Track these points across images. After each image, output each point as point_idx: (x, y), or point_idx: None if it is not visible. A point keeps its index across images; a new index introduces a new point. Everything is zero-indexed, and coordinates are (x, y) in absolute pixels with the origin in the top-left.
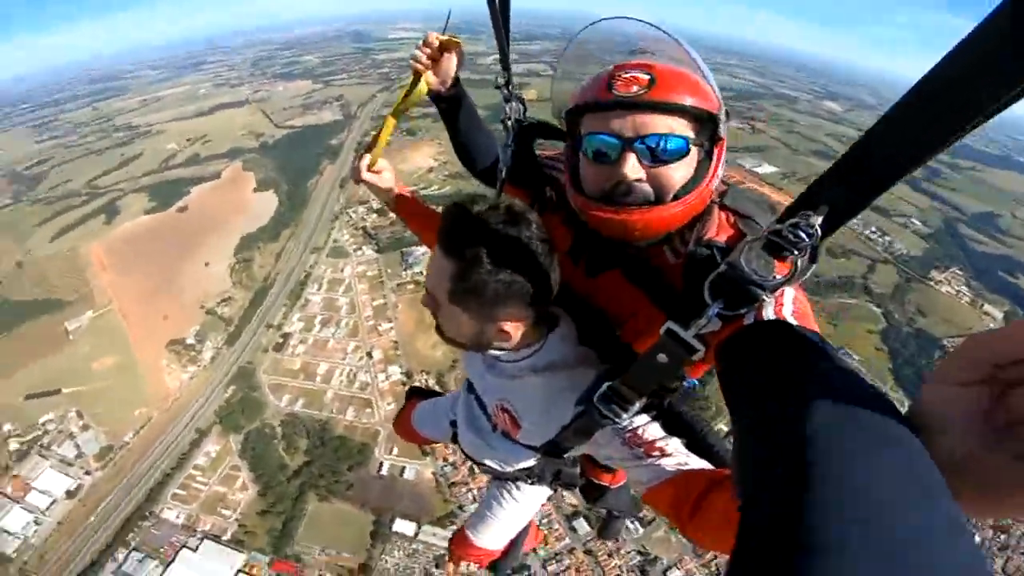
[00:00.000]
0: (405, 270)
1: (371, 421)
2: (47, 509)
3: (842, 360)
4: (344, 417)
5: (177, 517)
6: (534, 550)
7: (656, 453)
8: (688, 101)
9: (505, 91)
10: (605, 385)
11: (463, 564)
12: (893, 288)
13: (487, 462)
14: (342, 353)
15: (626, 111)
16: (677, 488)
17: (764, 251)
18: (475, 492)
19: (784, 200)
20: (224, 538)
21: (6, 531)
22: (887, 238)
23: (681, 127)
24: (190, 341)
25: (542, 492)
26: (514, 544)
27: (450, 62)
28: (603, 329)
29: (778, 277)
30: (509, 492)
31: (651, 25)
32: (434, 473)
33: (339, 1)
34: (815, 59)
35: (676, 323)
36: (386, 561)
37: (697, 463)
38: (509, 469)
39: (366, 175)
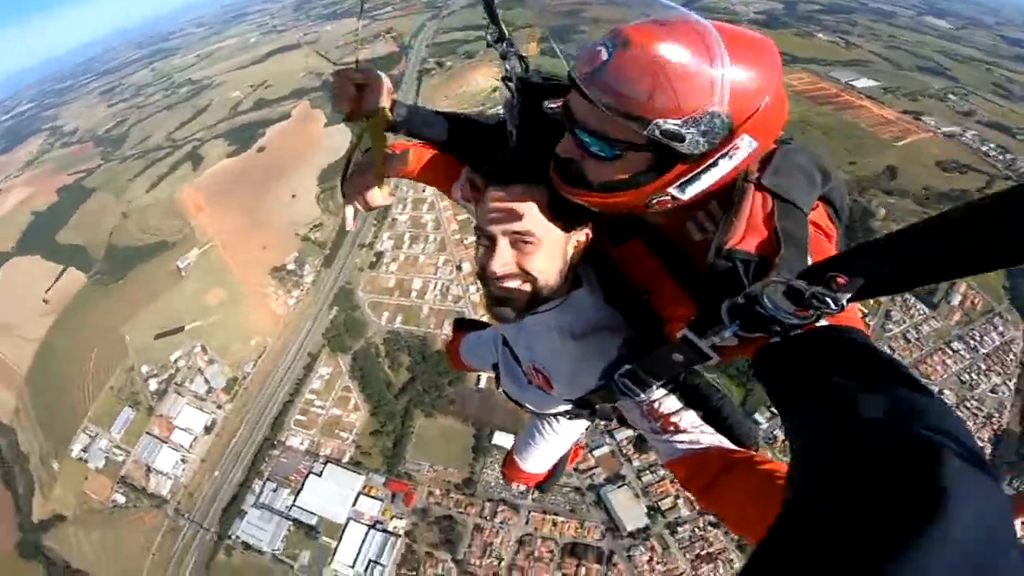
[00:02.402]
0: None
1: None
2: (190, 447)
3: (889, 364)
4: (441, 332)
5: (301, 443)
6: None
7: (671, 429)
8: (624, 103)
9: (500, 48)
10: (625, 367)
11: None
12: None
13: (527, 405)
14: (433, 268)
15: (575, 88)
16: (688, 469)
17: (786, 297)
18: None
19: (886, 117)
20: (344, 460)
21: (160, 472)
22: (1008, 155)
23: (613, 129)
24: (291, 267)
25: (580, 424)
26: (557, 466)
27: (376, 93)
28: (629, 292)
29: (798, 319)
30: (549, 425)
31: None
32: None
33: None
34: None
35: (692, 332)
36: (488, 474)
37: (710, 439)
38: (547, 411)
39: (380, 201)
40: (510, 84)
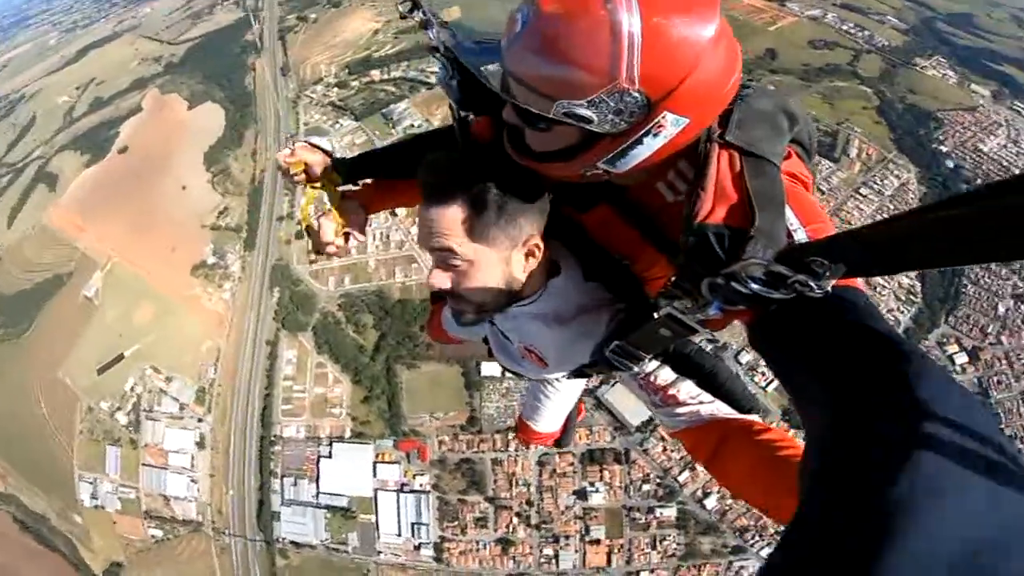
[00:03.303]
0: (393, 127)
1: (421, 272)
2: (192, 466)
3: (886, 338)
4: (395, 280)
5: (298, 432)
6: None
7: (671, 402)
8: (531, 79)
9: (417, 16)
10: (614, 343)
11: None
12: (880, 72)
13: (525, 374)
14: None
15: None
16: (690, 440)
17: (767, 277)
18: None
19: (755, 6)
20: (346, 436)
21: (177, 498)
22: (866, 32)
23: (532, 103)
24: (211, 261)
25: (582, 380)
26: (569, 420)
27: (314, 166)
28: (609, 261)
29: (779, 294)
30: (551, 385)
31: None
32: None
33: None
34: None
35: (676, 308)
36: (488, 408)
37: (709, 409)
38: (545, 378)
39: (339, 243)
40: (438, 56)
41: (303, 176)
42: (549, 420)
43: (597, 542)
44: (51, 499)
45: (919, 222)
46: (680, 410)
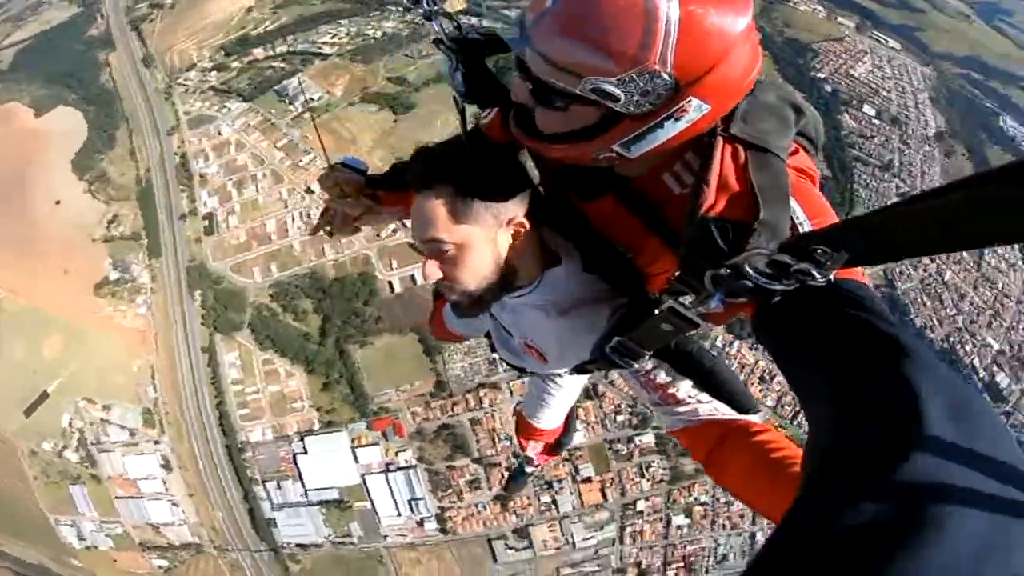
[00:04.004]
0: (290, 103)
1: (353, 248)
2: (167, 489)
3: (889, 336)
4: (327, 259)
5: (264, 435)
6: None
7: (670, 400)
8: (559, 54)
9: (421, 8)
10: (616, 339)
11: (531, 443)
12: (760, 9)
13: (527, 368)
14: (280, 203)
15: (522, 36)
16: (688, 440)
17: (770, 267)
18: None
19: None
20: (316, 428)
21: (166, 524)
22: None
23: (554, 79)
24: (113, 276)
25: (584, 376)
26: (570, 418)
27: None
28: (610, 253)
29: (784, 286)
30: (553, 381)
31: None
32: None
33: None
34: None
35: (678, 301)
36: (452, 369)
37: (707, 409)
38: (549, 373)
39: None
40: (444, 47)
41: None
42: (552, 417)
43: (588, 480)
44: (40, 548)
45: (915, 210)
46: (679, 409)
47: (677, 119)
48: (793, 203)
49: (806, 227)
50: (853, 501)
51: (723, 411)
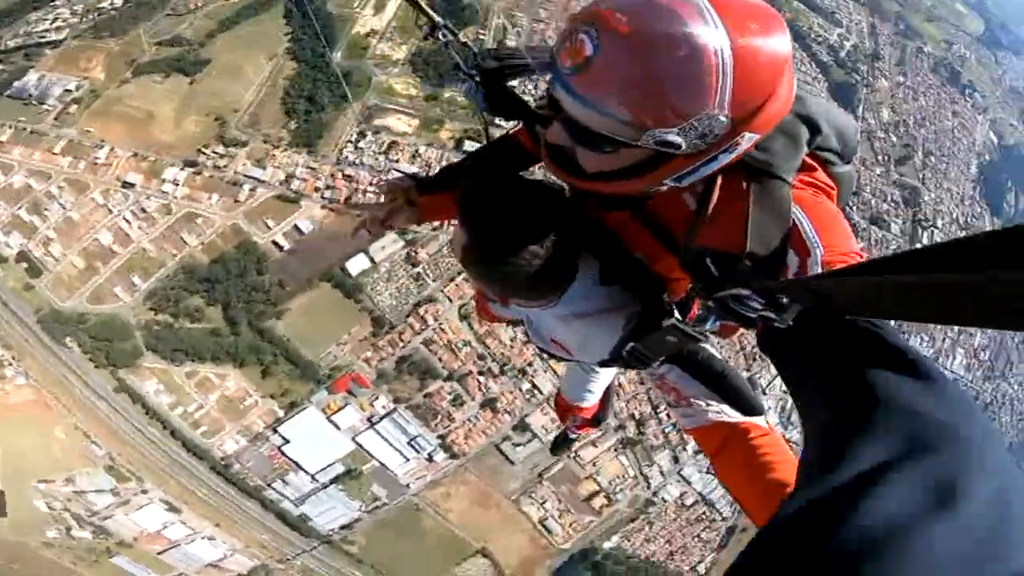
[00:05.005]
0: (40, 103)
1: (212, 222)
2: (193, 528)
3: (895, 349)
4: (190, 246)
5: (237, 442)
6: None
7: (683, 403)
8: (616, 109)
9: (438, 38)
10: (631, 345)
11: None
12: None
13: (560, 356)
14: (102, 209)
15: (559, 82)
16: (698, 439)
17: (750, 301)
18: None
19: None
20: (282, 416)
21: (221, 558)
22: None
23: (604, 128)
24: None
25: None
26: (607, 394)
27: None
28: (627, 262)
29: (766, 315)
30: (589, 367)
31: None
32: (323, 206)
33: None
34: None
35: (680, 321)
36: (382, 301)
37: (716, 411)
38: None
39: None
40: (463, 75)
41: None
42: (590, 396)
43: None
44: None
45: (864, 284)
46: (691, 410)
47: (730, 151)
48: (802, 218)
49: (812, 239)
50: (819, 535)
51: (729, 414)
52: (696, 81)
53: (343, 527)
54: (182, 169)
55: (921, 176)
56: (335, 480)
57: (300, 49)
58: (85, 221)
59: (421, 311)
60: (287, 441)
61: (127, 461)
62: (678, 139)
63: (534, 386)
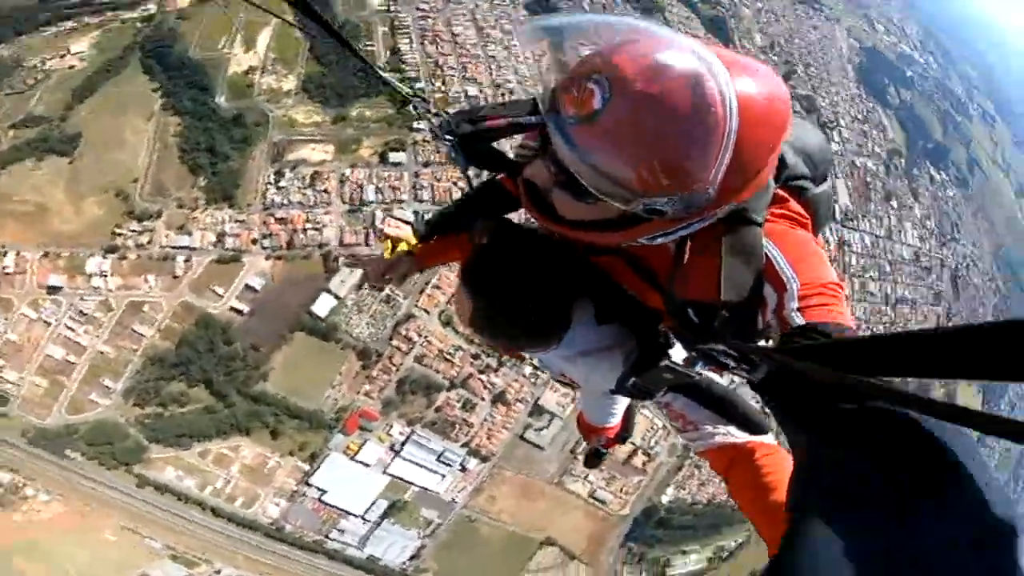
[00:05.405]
0: None
1: (159, 306)
2: None
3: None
4: (147, 337)
5: (276, 504)
6: None
7: (689, 428)
8: (613, 169)
9: (411, 109)
10: (632, 380)
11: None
12: None
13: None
14: (37, 324)
15: (557, 127)
16: (710, 461)
17: (724, 357)
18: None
19: None
20: (308, 470)
21: None
22: None
23: (593, 181)
24: None
25: None
26: (629, 412)
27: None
28: (621, 300)
29: (738, 371)
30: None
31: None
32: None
33: None
34: None
35: (670, 361)
36: (360, 332)
37: (723, 433)
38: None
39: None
40: (445, 141)
41: (391, 248)
42: (609, 418)
43: None
44: None
45: (819, 374)
46: (698, 434)
47: (707, 220)
48: (775, 253)
49: (787, 273)
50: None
51: (736, 435)
52: (702, 160)
53: (411, 558)
54: (104, 257)
55: (811, 86)
56: (385, 515)
57: (178, 101)
58: (27, 340)
59: (403, 331)
60: (324, 491)
61: (186, 548)
62: (666, 208)
63: (535, 368)
